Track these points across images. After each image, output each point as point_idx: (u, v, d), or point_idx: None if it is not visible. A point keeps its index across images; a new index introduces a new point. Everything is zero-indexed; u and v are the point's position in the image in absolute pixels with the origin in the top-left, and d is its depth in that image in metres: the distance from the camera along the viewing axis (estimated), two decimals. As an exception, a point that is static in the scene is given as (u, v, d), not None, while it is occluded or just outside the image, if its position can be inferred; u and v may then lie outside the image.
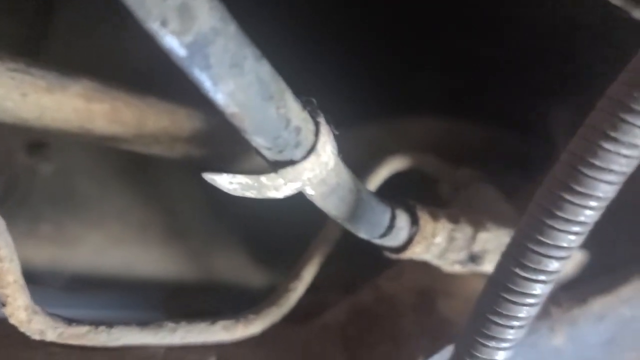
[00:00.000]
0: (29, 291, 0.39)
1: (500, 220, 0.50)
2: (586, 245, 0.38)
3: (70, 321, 0.40)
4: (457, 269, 0.50)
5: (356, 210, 0.40)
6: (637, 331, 0.54)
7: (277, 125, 0.31)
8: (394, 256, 0.47)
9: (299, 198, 0.37)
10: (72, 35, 0.75)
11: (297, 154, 0.33)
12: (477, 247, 0.49)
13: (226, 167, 0.64)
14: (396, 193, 0.48)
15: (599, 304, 0.53)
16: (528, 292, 0.36)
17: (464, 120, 0.76)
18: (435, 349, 0.48)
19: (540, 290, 0.36)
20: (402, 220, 0.44)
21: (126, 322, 0.42)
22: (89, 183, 0.80)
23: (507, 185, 0.61)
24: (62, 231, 0.79)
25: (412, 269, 0.54)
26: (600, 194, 0.33)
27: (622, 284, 0.53)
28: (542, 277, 0.36)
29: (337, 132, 0.36)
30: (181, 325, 0.44)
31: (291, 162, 0.33)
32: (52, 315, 0.39)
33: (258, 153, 0.34)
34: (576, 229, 0.34)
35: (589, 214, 0.34)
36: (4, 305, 0.37)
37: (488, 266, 0.50)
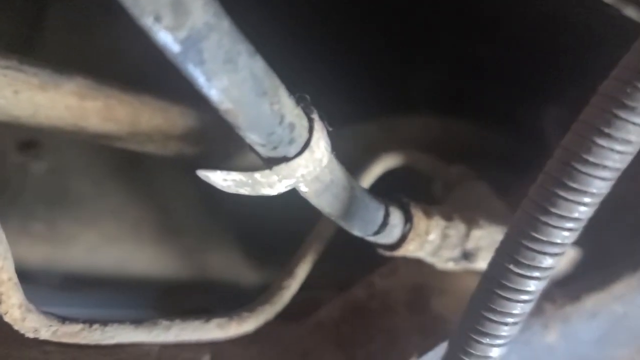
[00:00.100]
0: (24, 292, 0.39)
1: (493, 218, 0.51)
2: (579, 242, 0.38)
3: (64, 319, 0.40)
4: (450, 266, 0.50)
5: (350, 207, 0.40)
6: (630, 328, 0.55)
7: (271, 122, 0.31)
8: (387, 254, 0.47)
9: (293, 195, 0.37)
10: (66, 31, 0.75)
11: (291, 150, 0.33)
12: (470, 245, 0.49)
13: (220, 165, 0.63)
14: (390, 190, 0.48)
15: (592, 301, 0.53)
16: (522, 288, 0.36)
17: (458, 118, 0.76)
18: (429, 346, 0.48)
19: (534, 286, 0.36)
20: (396, 217, 0.44)
21: (120, 320, 0.42)
22: (82, 181, 0.80)
23: (500, 183, 0.61)
24: (55, 230, 0.78)
25: (406, 266, 0.54)
26: (594, 190, 0.33)
27: (614, 281, 0.53)
28: (536, 274, 0.36)
29: (330, 129, 0.36)
30: (175, 323, 0.44)
31: (285, 159, 0.33)
32: (46, 313, 0.39)
33: (252, 150, 0.33)
34: (570, 225, 0.35)
35: (582, 210, 0.34)
36: (-3, 303, 0.37)
37: (481, 263, 0.50)
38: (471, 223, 0.49)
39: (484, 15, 0.70)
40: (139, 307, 0.86)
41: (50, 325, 0.39)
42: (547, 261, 0.35)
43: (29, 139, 0.77)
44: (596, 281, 0.54)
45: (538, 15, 0.67)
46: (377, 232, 0.44)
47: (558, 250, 0.35)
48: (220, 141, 0.59)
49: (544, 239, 0.35)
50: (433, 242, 0.47)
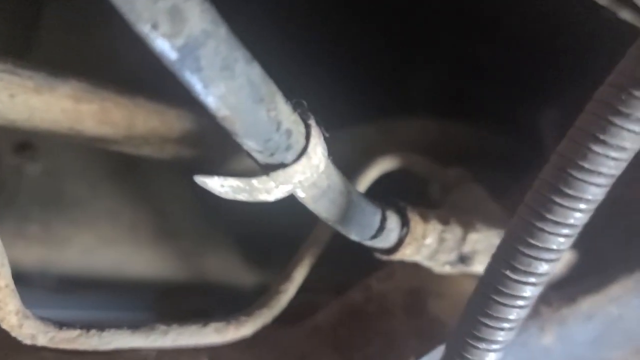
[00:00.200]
0: (18, 293, 0.39)
1: (490, 221, 0.51)
2: (575, 245, 0.38)
3: (61, 325, 0.39)
4: (447, 269, 0.50)
5: (347, 212, 0.40)
6: (625, 329, 0.55)
7: (268, 128, 0.31)
8: (384, 258, 0.47)
9: (290, 199, 0.37)
10: (63, 31, 0.75)
11: (288, 156, 0.33)
12: (467, 248, 0.49)
13: (216, 168, 0.63)
14: (387, 193, 0.48)
15: (587, 303, 0.53)
16: (518, 294, 0.36)
17: (456, 119, 0.76)
18: (426, 349, 0.48)
19: (530, 292, 0.36)
20: (393, 221, 0.45)
21: (117, 326, 0.42)
22: (77, 183, 0.80)
23: (497, 185, 0.61)
24: (51, 232, 0.78)
25: (403, 269, 0.54)
26: (590, 197, 0.34)
27: (610, 283, 0.54)
28: (532, 280, 0.36)
29: (327, 135, 0.36)
30: (173, 328, 0.44)
31: (282, 165, 0.33)
32: (44, 319, 0.39)
33: (249, 156, 0.34)
34: (566, 231, 0.35)
35: (578, 216, 0.34)
36: (-6, 310, 0.37)
37: (478, 267, 0.50)
38: (468, 226, 0.49)
39: (483, 18, 0.71)
40: (136, 309, 0.86)
41: (48, 332, 0.39)
42: (543, 267, 0.35)
43: (24, 141, 0.77)
44: (592, 284, 0.54)
45: (537, 17, 0.67)
46: (374, 237, 0.44)
47: (554, 256, 0.35)
48: (218, 144, 0.59)
49: (540, 245, 0.35)
50: (430, 246, 0.47)
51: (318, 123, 0.35)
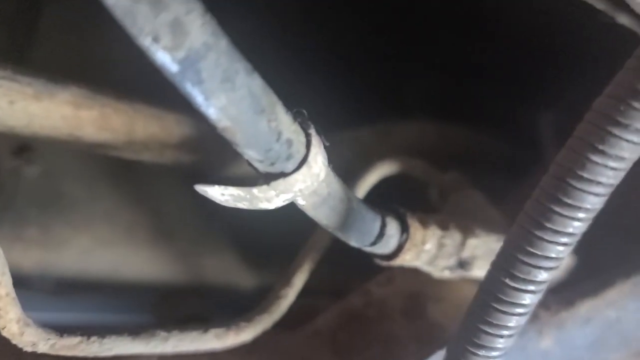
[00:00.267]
0: (17, 297, 0.39)
1: (489, 226, 0.51)
2: (573, 250, 0.38)
3: (62, 333, 0.40)
4: (446, 274, 0.50)
5: (347, 219, 0.40)
6: (622, 332, 0.55)
7: (269, 139, 0.31)
8: (384, 263, 0.47)
9: (290, 205, 0.37)
10: (60, 35, 0.75)
11: (289, 166, 0.33)
12: (466, 253, 0.49)
13: (216, 172, 0.63)
14: (386, 196, 0.48)
15: (586, 307, 0.54)
16: (518, 302, 0.36)
17: (453, 123, 0.76)
18: (426, 353, 0.48)
19: (529, 300, 0.36)
20: (392, 228, 0.45)
21: (118, 332, 0.42)
22: (75, 185, 0.79)
23: (495, 189, 0.61)
24: (49, 234, 0.78)
25: (402, 274, 0.54)
26: (588, 206, 0.34)
27: (607, 288, 0.54)
28: (531, 287, 0.36)
29: (327, 143, 0.36)
30: (173, 334, 0.44)
31: (283, 174, 0.33)
32: (44, 327, 0.39)
33: (250, 165, 0.34)
34: (565, 240, 0.35)
35: (577, 225, 0.34)
36: (-4, 318, 0.37)
37: (477, 272, 0.50)
38: (467, 232, 0.49)
39: (480, 22, 0.71)
40: (135, 311, 0.86)
41: (49, 339, 0.39)
42: (542, 275, 0.36)
43: (22, 143, 0.77)
44: (590, 288, 0.54)
45: (535, 21, 0.67)
46: (374, 243, 0.44)
47: (553, 265, 0.36)
48: (217, 149, 0.59)
49: (539, 253, 0.35)
50: (429, 251, 0.48)
51: (318, 132, 0.35)
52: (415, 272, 0.50)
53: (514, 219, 0.37)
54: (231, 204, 0.34)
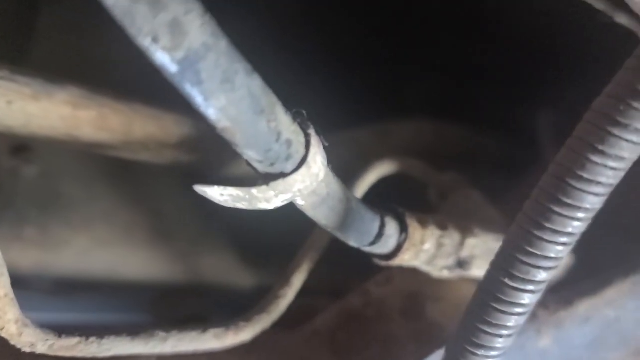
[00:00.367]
0: (16, 297, 0.39)
1: (488, 226, 0.51)
2: (573, 249, 0.38)
3: (60, 333, 0.39)
4: (445, 274, 0.50)
5: (346, 219, 0.40)
6: (621, 332, 0.55)
7: (269, 139, 0.31)
8: (383, 263, 0.47)
9: (289, 204, 0.37)
10: (59, 35, 0.75)
11: (288, 166, 0.33)
12: (465, 253, 0.49)
13: (214, 172, 0.63)
14: (386, 196, 0.48)
15: (584, 306, 0.54)
16: (517, 301, 0.36)
17: (451, 123, 0.76)
18: (425, 353, 0.49)
19: (528, 300, 0.37)
20: (391, 228, 0.45)
21: (117, 332, 0.42)
22: (74, 185, 0.79)
23: (494, 188, 0.61)
24: (48, 234, 0.78)
25: (401, 274, 0.54)
26: (588, 206, 0.34)
27: (606, 287, 0.54)
28: (530, 287, 0.36)
29: (327, 144, 0.36)
30: (172, 334, 0.44)
31: (282, 175, 0.33)
32: (43, 327, 0.39)
33: (249, 165, 0.34)
34: (564, 240, 0.35)
35: (576, 225, 0.34)
36: (-6, 319, 0.37)
37: (476, 271, 0.50)
38: (466, 232, 0.49)
39: (479, 22, 0.71)
40: (134, 311, 0.85)
41: (47, 340, 0.39)
42: (542, 275, 0.36)
43: (20, 144, 0.77)
44: (588, 287, 0.54)
45: (534, 21, 0.67)
46: (373, 243, 0.44)
47: (552, 265, 0.36)
48: (216, 149, 0.59)
49: (539, 253, 0.35)
50: (428, 251, 0.48)
51: (318, 132, 0.35)
52: (414, 272, 0.50)
53: (513, 218, 0.38)
54: (230, 204, 0.34)
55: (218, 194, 0.34)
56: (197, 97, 0.27)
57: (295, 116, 0.34)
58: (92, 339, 0.41)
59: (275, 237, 0.67)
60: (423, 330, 0.52)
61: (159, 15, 0.24)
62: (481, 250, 0.50)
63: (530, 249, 0.35)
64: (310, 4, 0.69)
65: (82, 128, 0.51)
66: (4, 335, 0.37)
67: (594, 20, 0.49)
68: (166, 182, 0.83)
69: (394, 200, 0.48)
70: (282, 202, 0.35)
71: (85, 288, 0.81)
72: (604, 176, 0.33)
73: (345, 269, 0.60)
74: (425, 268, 0.50)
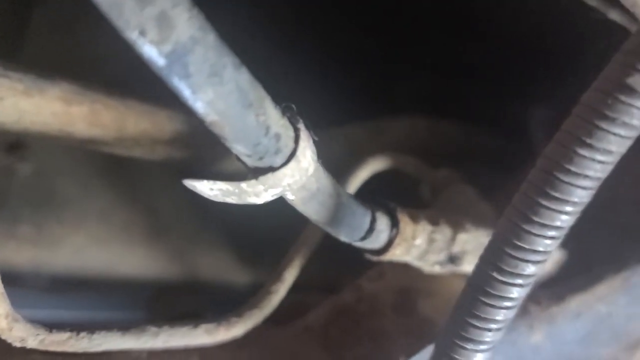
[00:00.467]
0: (9, 294, 0.39)
1: (479, 221, 0.51)
2: (563, 244, 0.38)
3: (51, 328, 0.40)
4: (437, 269, 0.51)
5: (336, 214, 0.40)
6: (613, 327, 0.56)
7: (257, 133, 0.31)
8: (374, 258, 0.48)
9: (281, 200, 0.37)
10: (52, 32, 0.74)
11: (277, 160, 0.33)
12: (456, 248, 0.50)
13: (207, 168, 0.63)
14: (378, 192, 0.48)
15: (576, 302, 0.54)
16: (505, 295, 0.37)
17: (445, 119, 0.76)
18: (416, 348, 0.49)
19: (517, 293, 0.37)
20: (383, 223, 0.45)
21: (108, 327, 0.42)
22: (69, 183, 0.79)
23: (486, 184, 0.62)
24: (43, 232, 0.78)
25: (393, 269, 0.54)
26: (576, 199, 0.34)
27: (598, 282, 0.54)
28: (519, 281, 0.36)
29: (316, 138, 0.36)
30: (163, 329, 0.44)
31: (271, 169, 0.33)
32: (33, 322, 0.39)
33: (238, 159, 0.34)
34: (552, 233, 0.35)
35: (564, 218, 0.35)
36: (-17, 314, 0.37)
37: (467, 266, 0.50)
38: (457, 227, 0.50)
39: (472, 17, 0.71)
40: (129, 309, 0.85)
41: (38, 334, 0.39)
42: (530, 269, 0.36)
43: (14, 141, 0.77)
44: (580, 282, 0.55)
45: (527, 17, 0.67)
46: (363, 238, 0.44)
47: (540, 258, 0.36)
48: (209, 145, 0.59)
49: (527, 247, 0.35)
50: (419, 246, 0.48)
51: (307, 127, 0.35)
52: (405, 267, 0.51)
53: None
54: (220, 198, 0.34)
55: (207, 188, 0.34)
56: (185, 91, 0.28)
57: (285, 110, 0.34)
58: (82, 334, 0.41)
59: (271, 234, 0.67)
60: (415, 326, 0.52)
61: (146, 9, 0.24)
62: (473, 246, 0.50)
63: (519, 243, 0.35)
64: (301, 2, 0.69)
65: (75, 124, 0.51)
66: (-6, 329, 0.37)
67: (586, 17, 0.49)
68: (161, 180, 0.83)
69: (387, 197, 0.48)
70: (272, 196, 0.35)
71: (80, 285, 0.81)
72: (592, 170, 0.33)
73: (337, 265, 0.60)
74: (416, 263, 0.50)
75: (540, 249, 0.35)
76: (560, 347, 0.54)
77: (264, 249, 0.81)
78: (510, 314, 0.38)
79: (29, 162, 0.77)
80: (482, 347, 0.38)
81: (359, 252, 0.49)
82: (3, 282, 0.37)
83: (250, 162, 0.33)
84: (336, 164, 0.46)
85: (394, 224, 0.46)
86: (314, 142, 0.36)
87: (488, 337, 0.37)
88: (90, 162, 0.80)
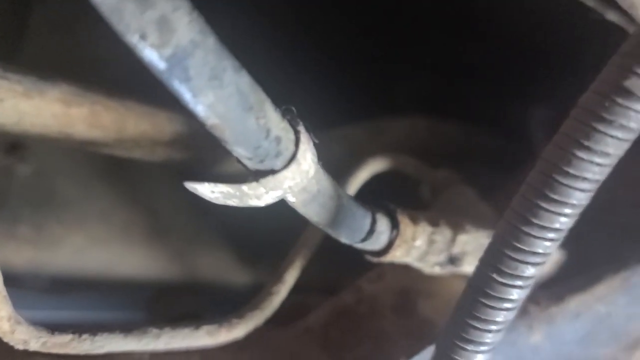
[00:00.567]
0: (9, 294, 0.39)
1: (479, 222, 0.51)
2: (562, 245, 0.38)
3: (53, 330, 0.40)
4: (437, 270, 0.51)
5: (337, 216, 0.40)
6: (612, 327, 0.56)
7: (258, 136, 0.31)
8: (375, 260, 0.48)
9: (281, 201, 0.37)
10: (51, 33, 0.74)
11: (278, 163, 0.33)
12: (456, 249, 0.50)
13: (208, 169, 0.64)
14: (377, 194, 0.48)
15: (575, 302, 0.54)
16: (505, 297, 0.37)
17: (444, 119, 0.77)
18: (416, 349, 0.49)
19: (517, 295, 0.37)
20: (383, 224, 0.45)
21: (110, 329, 0.42)
22: (69, 183, 0.79)
23: (487, 184, 0.62)
24: (42, 233, 0.78)
25: (393, 270, 0.54)
26: (575, 202, 0.34)
27: (597, 282, 0.54)
28: (518, 283, 0.36)
29: (317, 141, 0.36)
30: (165, 331, 0.44)
31: (272, 172, 0.33)
32: (36, 325, 0.39)
33: (239, 162, 0.34)
34: (551, 235, 0.35)
35: (563, 220, 0.35)
36: (-14, 317, 0.37)
37: (467, 267, 0.51)
38: (457, 228, 0.50)
39: (472, 17, 0.71)
40: (129, 309, 0.86)
41: (40, 337, 0.39)
42: (530, 270, 0.36)
43: (14, 142, 0.77)
44: (579, 283, 0.55)
45: (526, 17, 0.67)
46: (364, 239, 0.44)
47: (540, 260, 0.36)
48: (209, 146, 0.59)
49: (526, 249, 0.35)
50: (419, 247, 0.48)
51: (307, 129, 0.35)
52: (405, 269, 0.51)
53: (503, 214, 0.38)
54: (221, 201, 0.35)
55: (209, 190, 0.34)
56: (186, 94, 0.28)
57: (285, 113, 0.34)
58: (84, 336, 0.41)
59: (271, 235, 0.67)
60: (415, 327, 0.52)
61: (146, 12, 0.24)
62: (472, 247, 0.50)
63: (518, 245, 0.35)
64: (301, 3, 0.69)
65: (75, 125, 0.51)
66: (-4, 332, 0.37)
67: (584, 18, 0.49)
68: (161, 181, 0.83)
69: (387, 198, 0.49)
70: (273, 198, 0.35)
71: (80, 286, 0.81)
72: (590, 172, 0.33)
73: (337, 266, 0.61)
74: (416, 264, 0.50)
75: (540, 250, 0.35)
76: (560, 348, 0.54)
77: (263, 249, 0.81)
78: (510, 315, 0.38)
79: (29, 162, 0.77)
80: (482, 348, 0.38)
81: (359, 253, 0.49)
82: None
83: (251, 164, 0.33)
84: (336, 165, 0.46)
85: (394, 225, 0.46)
86: (315, 144, 0.36)
87: (488, 338, 0.38)
88: (90, 163, 0.80)
